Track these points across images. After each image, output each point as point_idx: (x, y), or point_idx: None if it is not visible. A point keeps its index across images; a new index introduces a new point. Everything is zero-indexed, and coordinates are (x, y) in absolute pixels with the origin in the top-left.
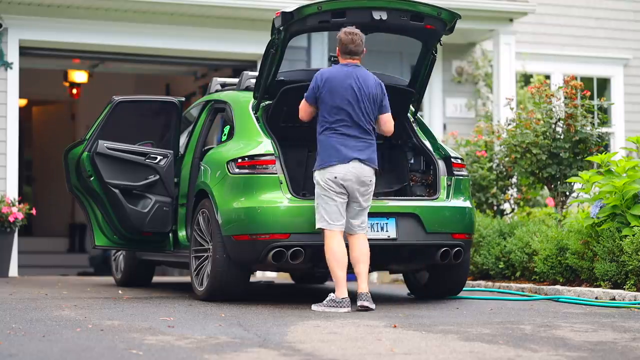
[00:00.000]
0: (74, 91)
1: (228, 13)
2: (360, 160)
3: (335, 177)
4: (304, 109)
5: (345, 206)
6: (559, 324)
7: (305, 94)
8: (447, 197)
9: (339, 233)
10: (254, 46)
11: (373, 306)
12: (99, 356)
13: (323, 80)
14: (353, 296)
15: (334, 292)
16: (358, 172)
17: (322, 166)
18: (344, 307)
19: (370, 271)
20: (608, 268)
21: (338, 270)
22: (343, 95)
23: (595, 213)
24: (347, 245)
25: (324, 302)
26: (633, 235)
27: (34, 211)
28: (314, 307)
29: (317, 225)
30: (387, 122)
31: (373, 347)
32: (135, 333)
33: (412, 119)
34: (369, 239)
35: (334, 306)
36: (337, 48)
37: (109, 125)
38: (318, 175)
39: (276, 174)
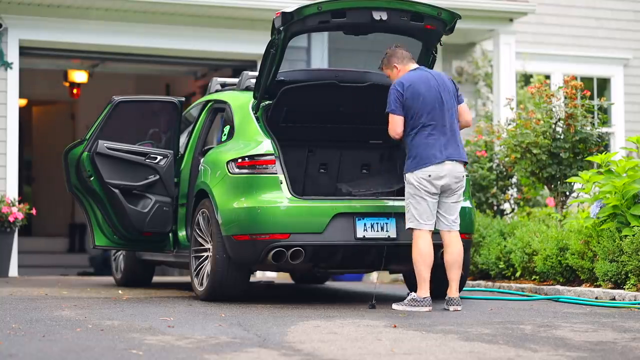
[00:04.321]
0: (74, 91)
1: (228, 13)
2: (452, 160)
3: (429, 176)
4: (396, 122)
5: (436, 206)
6: (559, 324)
7: (388, 109)
8: None
9: (428, 233)
10: (254, 46)
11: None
12: (99, 356)
13: (404, 86)
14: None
15: (414, 292)
16: (451, 169)
17: (415, 168)
18: (426, 306)
19: (372, 271)
20: (608, 268)
21: (423, 270)
22: (426, 97)
23: (596, 213)
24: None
25: (405, 301)
26: (633, 235)
27: (34, 211)
28: (394, 306)
29: (407, 225)
30: (465, 112)
31: (373, 347)
32: (135, 333)
33: None
34: (369, 239)
35: (415, 305)
36: (393, 62)
37: (109, 125)
38: (410, 175)
39: (276, 174)
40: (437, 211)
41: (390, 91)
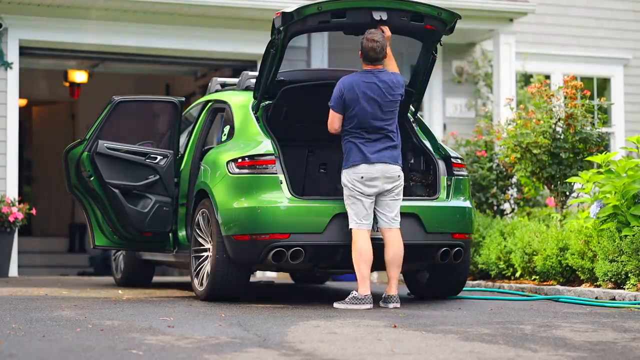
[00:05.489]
0: (74, 91)
1: (228, 13)
2: (385, 163)
3: (362, 177)
4: (335, 119)
5: (372, 205)
6: (559, 324)
7: (330, 104)
8: (447, 197)
9: (366, 231)
10: (254, 46)
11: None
12: (99, 356)
13: (345, 86)
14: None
15: (356, 290)
16: (383, 169)
17: (347, 165)
18: (366, 303)
19: (371, 270)
20: (608, 268)
21: (363, 267)
22: (365, 102)
23: (596, 213)
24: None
25: (347, 299)
26: (633, 235)
27: (34, 211)
28: (335, 304)
29: (350, 226)
30: None
31: (373, 347)
32: (135, 333)
33: (412, 119)
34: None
35: (356, 303)
36: (360, 52)
37: (109, 125)
38: (345, 177)
39: (276, 174)
40: (376, 209)
41: (335, 87)
